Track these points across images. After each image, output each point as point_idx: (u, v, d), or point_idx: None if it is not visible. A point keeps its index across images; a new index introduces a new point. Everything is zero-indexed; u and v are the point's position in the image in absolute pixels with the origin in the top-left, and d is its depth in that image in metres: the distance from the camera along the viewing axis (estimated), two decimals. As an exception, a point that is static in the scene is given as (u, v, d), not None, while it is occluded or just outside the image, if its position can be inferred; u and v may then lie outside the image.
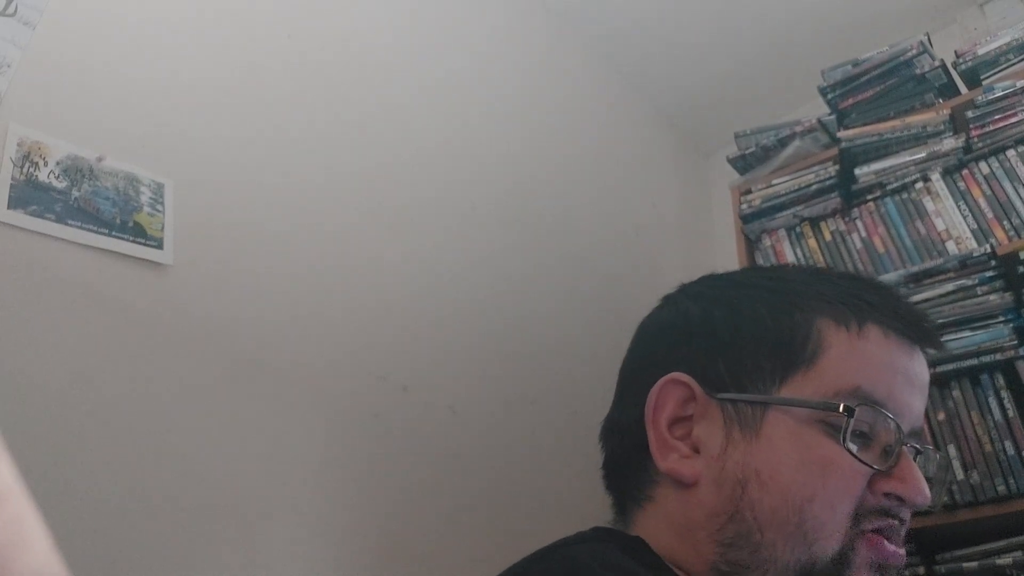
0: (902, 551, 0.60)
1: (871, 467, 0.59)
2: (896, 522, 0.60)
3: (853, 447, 0.59)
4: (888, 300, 0.66)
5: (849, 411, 0.59)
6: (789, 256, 1.82)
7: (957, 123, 1.71)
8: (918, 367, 0.65)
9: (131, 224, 1.11)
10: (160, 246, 1.13)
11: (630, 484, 0.68)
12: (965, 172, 1.65)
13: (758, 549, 0.58)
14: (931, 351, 0.68)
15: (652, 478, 0.65)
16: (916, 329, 0.65)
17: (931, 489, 0.65)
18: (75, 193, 1.06)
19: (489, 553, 1.27)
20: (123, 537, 0.98)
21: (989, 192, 1.61)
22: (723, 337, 0.65)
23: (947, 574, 1.42)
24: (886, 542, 0.59)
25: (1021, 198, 1.58)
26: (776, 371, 0.62)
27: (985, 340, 1.47)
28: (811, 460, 0.59)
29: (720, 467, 0.61)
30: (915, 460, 0.63)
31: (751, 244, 1.90)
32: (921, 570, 1.44)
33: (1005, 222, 1.57)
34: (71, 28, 1.13)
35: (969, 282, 1.53)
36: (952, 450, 1.44)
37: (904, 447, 0.61)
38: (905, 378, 0.63)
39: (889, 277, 1.61)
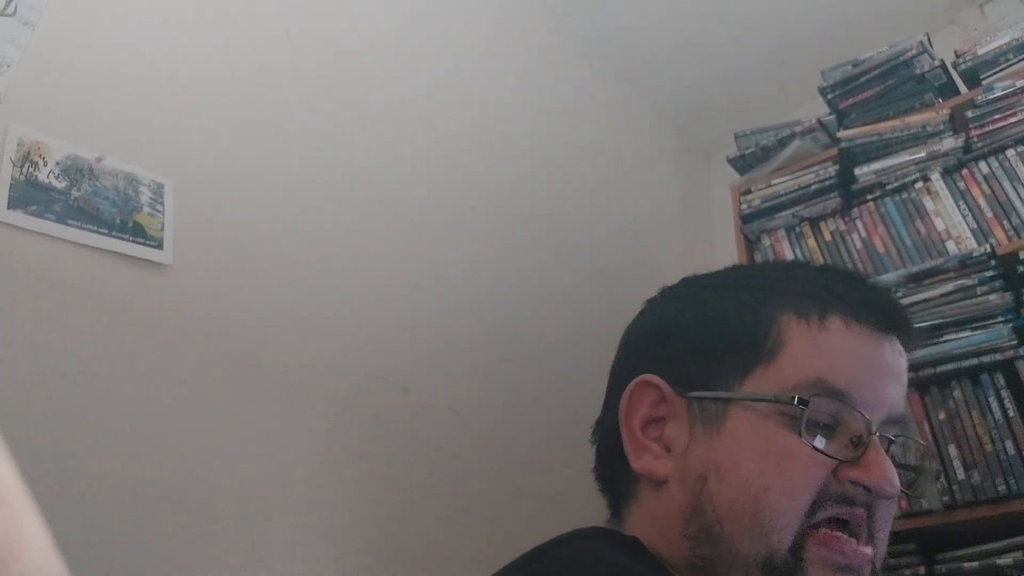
0: (866, 549, 0.59)
1: (831, 457, 0.59)
2: (859, 510, 0.60)
3: (816, 439, 0.59)
4: (856, 290, 0.66)
5: (803, 403, 0.59)
6: (788, 256, 1.82)
7: (957, 123, 1.71)
8: (888, 355, 0.64)
9: (131, 224, 1.10)
10: (160, 246, 1.13)
11: (618, 484, 0.69)
12: (965, 172, 1.65)
13: (719, 543, 0.59)
14: (906, 339, 0.67)
15: (634, 478, 0.67)
16: (884, 318, 0.65)
17: (918, 480, 0.65)
18: (75, 193, 1.06)
19: (489, 553, 1.27)
20: (123, 538, 0.98)
21: (989, 192, 1.61)
22: (692, 337, 0.67)
23: (947, 574, 1.42)
24: (844, 539, 0.59)
25: (1021, 198, 1.58)
26: (739, 367, 0.63)
27: (985, 340, 1.47)
28: (770, 451, 0.59)
29: (684, 463, 0.63)
30: (888, 449, 0.63)
31: (751, 244, 1.90)
32: (921, 570, 1.44)
33: (1005, 222, 1.57)
34: (71, 28, 1.13)
35: (969, 282, 1.53)
36: (952, 450, 1.44)
37: (874, 436, 0.60)
38: (872, 367, 0.63)
39: (889, 277, 1.61)
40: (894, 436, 0.64)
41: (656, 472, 0.64)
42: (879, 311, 0.65)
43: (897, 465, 0.62)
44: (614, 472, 0.69)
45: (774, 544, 0.57)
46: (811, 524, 0.58)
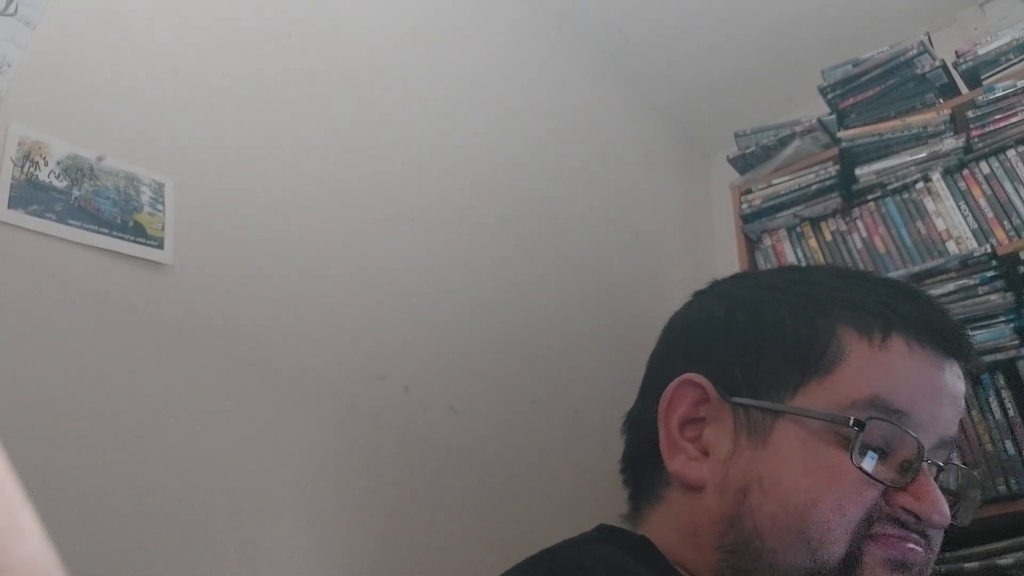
0: (920, 549, 0.58)
1: (882, 483, 0.57)
2: (915, 535, 0.58)
3: (866, 462, 0.57)
4: (920, 310, 0.64)
5: (860, 425, 0.57)
6: (789, 256, 1.82)
7: (957, 123, 1.71)
8: (948, 378, 0.62)
9: (131, 224, 1.10)
10: (160, 246, 1.13)
11: (644, 481, 0.68)
12: (966, 172, 1.65)
13: (759, 556, 0.57)
14: (967, 365, 0.65)
15: (663, 478, 0.65)
16: (946, 342, 0.63)
17: (959, 505, 0.63)
18: (75, 193, 1.06)
19: (490, 553, 1.27)
20: (123, 537, 0.98)
21: (989, 192, 1.61)
22: (742, 340, 0.64)
23: (947, 574, 1.42)
24: (902, 538, 0.57)
25: (1021, 198, 1.58)
26: (791, 378, 0.61)
27: (986, 340, 1.47)
28: (818, 467, 0.57)
29: (724, 472, 0.61)
30: (937, 477, 0.61)
31: (751, 244, 1.90)
32: (921, 570, 1.44)
33: (1005, 222, 1.57)
34: (71, 28, 1.13)
35: (970, 282, 1.53)
36: (952, 450, 1.44)
37: (925, 463, 0.58)
38: (932, 389, 0.61)
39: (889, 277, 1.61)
40: (943, 463, 0.62)
41: (689, 477, 0.62)
42: (941, 334, 0.63)
43: (943, 491, 0.60)
44: (642, 467, 0.67)
45: (821, 558, 0.55)
46: (868, 534, 0.57)
